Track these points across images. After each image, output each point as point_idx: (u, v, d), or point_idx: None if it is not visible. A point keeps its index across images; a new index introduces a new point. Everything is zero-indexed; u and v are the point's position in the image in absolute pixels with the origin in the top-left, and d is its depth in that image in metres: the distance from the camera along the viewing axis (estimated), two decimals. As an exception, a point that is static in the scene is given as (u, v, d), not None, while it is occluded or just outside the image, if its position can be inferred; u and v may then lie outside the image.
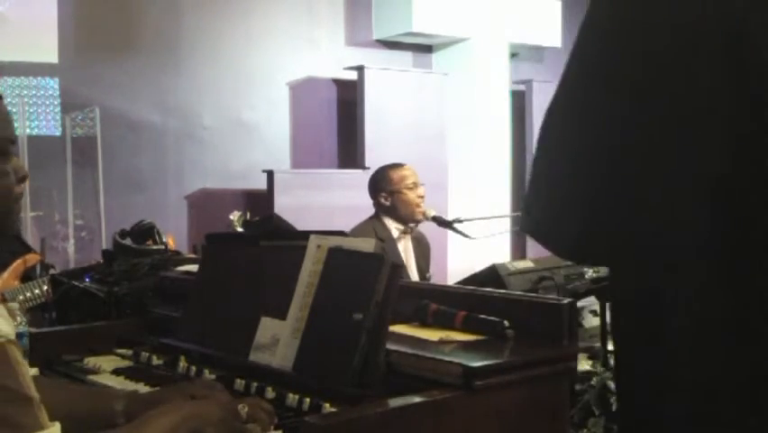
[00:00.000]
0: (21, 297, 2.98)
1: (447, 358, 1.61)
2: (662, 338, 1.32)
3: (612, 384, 2.28)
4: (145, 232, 2.94)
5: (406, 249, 4.19)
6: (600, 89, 1.36)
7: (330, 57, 6.75)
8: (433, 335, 1.79)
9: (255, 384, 1.71)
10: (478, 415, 1.55)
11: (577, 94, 1.37)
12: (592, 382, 2.31)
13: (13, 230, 1.47)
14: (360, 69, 6.34)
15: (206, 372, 1.86)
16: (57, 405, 1.35)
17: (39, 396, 1.22)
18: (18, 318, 2.04)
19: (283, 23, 6.62)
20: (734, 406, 1.27)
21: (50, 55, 5.58)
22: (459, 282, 2.94)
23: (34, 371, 1.63)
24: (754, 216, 1.25)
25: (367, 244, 1.75)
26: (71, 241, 5.70)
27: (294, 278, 1.81)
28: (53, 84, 5.65)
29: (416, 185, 4.17)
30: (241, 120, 6.43)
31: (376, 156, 5.74)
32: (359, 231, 4.01)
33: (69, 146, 5.72)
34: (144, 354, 2.05)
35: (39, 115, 5.61)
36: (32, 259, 3.34)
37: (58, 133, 5.69)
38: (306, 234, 1.86)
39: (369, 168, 5.71)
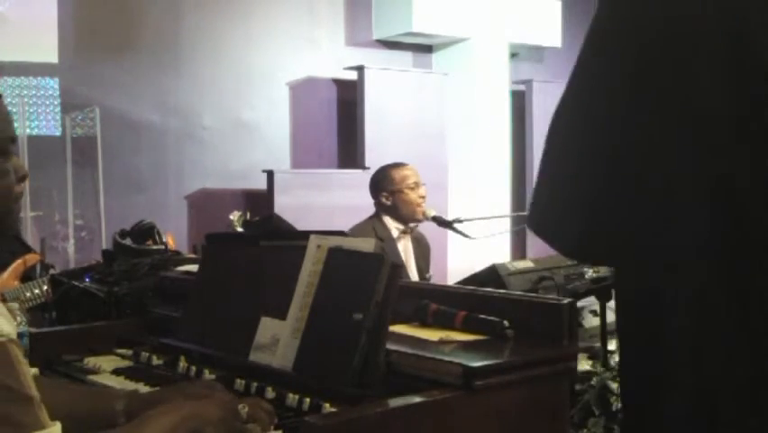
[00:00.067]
0: (21, 297, 2.98)
1: (447, 358, 1.61)
2: (662, 338, 1.32)
3: (612, 384, 2.28)
4: (145, 232, 2.94)
5: (405, 249, 4.19)
6: (601, 89, 1.36)
7: (330, 57, 6.75)
8: (433, 335, 1.79)
9: (255, 384, 1.71)
10: (478, 415, 1.55)
11: (580, 94, 1.38)
12: (592, 382, 2.31)
13: (13, 230, 1.47)
14: (360, 69, 6.34)
15: (206, 372, 1.86)
16: (57, 405, 1.35)
17: (39, 395, 1.22)
18: (18, 318, 2.04)
19: (283, 23, 6.62)
20: (734, 406, 1.27)
21: (50, 55, 5.58)
22: (459, 282, 2.94)
23: (34, 371, 1.63)
24: (755, 216, 1.25)
25: (367, 244, 1.75)
26: (71, 241, 5.70)
27: (294, 278, 1.81)
28: (53, 84, 5.65)
29: (417, 185, 4.17)
30: (241, 120, 6.43)
31: (376, 156, 5.74)
32: (358, 230, 4.02)
33: (69, 146, 5.72)
34: (144, 354, 2.05)
35: (39, 115, 5.61)
36: (31, 259, 3.34)
37: (58, 133, 5.69)
38: (306, 234, 1.86)
39: (369, 168, 5.71)
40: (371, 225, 4.12)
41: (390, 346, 1.66)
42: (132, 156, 6.01)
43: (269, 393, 1.67)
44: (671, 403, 1.31)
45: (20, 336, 1.27)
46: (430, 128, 6.57)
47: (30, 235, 5.13)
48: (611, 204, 1.35)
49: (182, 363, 1.92)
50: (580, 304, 2.52)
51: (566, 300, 1.74)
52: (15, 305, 2.64)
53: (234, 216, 3.32)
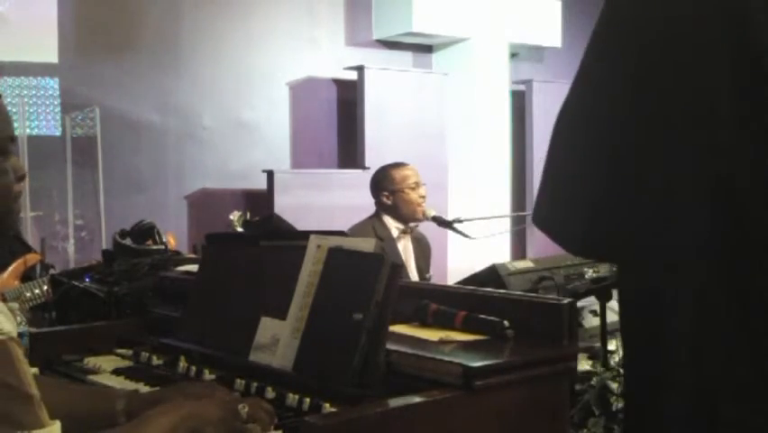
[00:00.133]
0: (21, 297, 2.99)
1: (447, 358, 1.61)
2: (662, 338, 1.32)
3: (612, 384, 2.28)
4: (145, 232, 2.94)
5: (405, 249, 4.19)
6: (602, 90, 1.36)
7: (330, 57, 6.75)
8: (433, 335, 1.79)
9: (255, 384, 1.71)
10: (478, 415, 1.55)
11: (582, 94, 1.38)
12: (592, 382, 2.31)
13: (12, 229, 1.47)
14: (360, 69, 6.34)
15: (206, 372, 1.86)
16: (57, 404, 1.35)
17: (39, 394, 1.22)
18: (18, 318, 2.04)
19: (283, 24, 6.62)
20: (734, 406, 1.27)
21: (50, 55, 5.58)
22: (459, 282, 2.94)
23: (34, 370, 1.63)
24: (755, 216, 1.25)
25: (367, 244, 1.75)
26: (71, 241, 5.70)
27: (294, 278, 1.81)
28: (53, 84, 5.65)
29: (417, 185, 4.18)
30: (241, 120, 6.43)
31: (376, 156, 5.75)
32: (358, 230, 4.02)
33: (69, 146, 5.72)
34: (144, 354, 2.04)
35: (39, 115, 5.61)
36: (32, 259, 3.34)
37: (58, 133, 5.69)
38: (306, 234, 1.85)
39: (369, 168, 5.72)
40: (371, 225, 4.12)
41: (390, 346, 1.66)
42: (132, 156, 6.01)
43: (269, 393, 1.67)
44: (671, 403, 1.31)
45: (20, 335, 1.27)
46: (430, 128, 6.57)
47: (30, 235, 5.13)
48: (612, 204, 1.35)
49: (182, 363, 1.92)
50: (580, 304, 2.52)
51: (566, 300, 1.74)
52: (15, 305, 2.65)
53: (234, 216, 3.32)
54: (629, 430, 1.51)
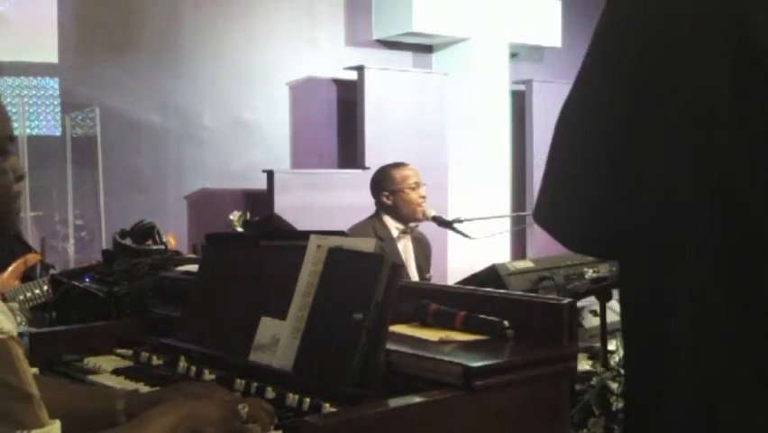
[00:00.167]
0: (21, 297, 2.99)
1: (447, 358, 1.61)
2: (662, 338, 1.32)
3: (612, 384, 2.28)
4: (145, 232, 2.94)
5: (405, 249, 4.19)
6: (603, 90, 1.36)
7: (330, 57, 6.75)
8: (433, 335, 1.79)
9: (255, 384, 1.71)
10: (478, 415, 1.55)
11: (583, 94, 1.38)
12: (592, 382, 2.31)
13: (12, 229, 1.47)
14: (360, 69, 6.34)
15: (206, 372, 1.86)
16: (57, 404, 1.35)
17: (39, 394, 1.22)
18: (18, 318, 2.04)
19: (283, 24, 6.62)
20: (734, 406, 1.27)
21: (50, 55, 5.58)
22: (459, 282, 2.94)
23: (34, 370, 1.63)
24: (755, 216, 1.25)
25: (367, 244, 1.75)
26: (71, 241, 5.70)
27: (294, 278, 1.81)
28: (53, 84, 5.64)
29: (418, 185, 4.18)
30: (241, 120, 6.43)
31: (376, 156, 5.75)
32: (358, 230, 4.02)
33: (69, 146, 5.72)
34: (144, 354, 2.04)
35: (39, 115, 5.61)
36: (32, 259, 3.34)
37: (58, 133, 5.69)
38: (306, 234, 1.85)
39: (369, 168, 5.72)
40: (371, 225, 4.12)
41: (390, 346, 1.66)
42: (132, 156, 6.01)
43: (269, 393, 1.67)
44: (671, 403, 1.31)
45: (20, 335, 1.27)
46: (430, 128, 6.57)
47: (30, 235, 5.13)
48: (613, 204, 1.35)
49: (182, 363, 1.92)
50: (580, 304, 2.52)
51: (566, 300, 1.74)
52: (15, 305, 2.65)
53: (234, 216, 3.32)
54: (629, 430, 1.51)
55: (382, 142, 6.16)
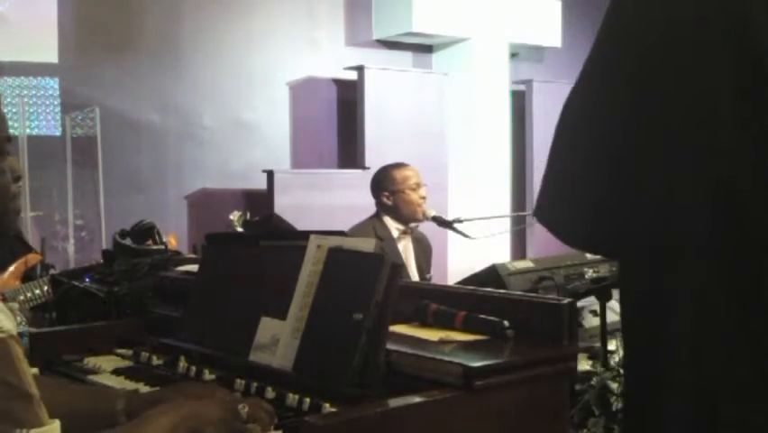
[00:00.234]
0: (21, 297, 2.99)
1: (447, 358, 1.61)
2: (662, 338, 1.32)
3: (612, 384, 2.28)
4: (145, 232, 2.94)
5: (406, 249, 4.19)
6: (604, 91, 1.37)
7: (330, 57, 6.75)
8: (433, 335, 1.79)
9: (255, 384, 1.71)
10: (478, 415, 1.55)
11: (585, 95, 1.39)
12: (592, 382, 2.31)
13: (11, 229, 1.47)
14: (360, 68, 6.34)
15: (206, 372, 1.86)
16: (57, 404, 1.35)
17: (39, 394, 1.22)
18: (18, 318, 2.04)
19: (283, 24, 6.62)
20: (734, 406, 1.27)
21: (50, 55, 5.58)
22: (459, 282, 2.94)
23: (34, 370, 1.63)
24: (755, 217, 1.25)
25: (367, 244, 1.75)
26: (71, 241, 5.70)
27: (294, 278, 1.81)
28: (53, 84, 5.64)
29: (418, 185, 4.18)
30: (241, 120, 6.43)
31: (376, 156, 5.75)
32: (358, 230, 4.02)
33: (69, 146, 5.72)
34: (144, 354, 2.04)
35: (39, 115, 5.61)
36: (33, 259, 3.34)
37: (58, 133, 5.69)
38: (306, 234, 1.85)
39: (369, 168, 5.72)
40: (371, 225, 4.12)
41: (390, 346, 1.66)
42: (132, 156, 6.01)
43: (269, 393, 1.67)
44: (671, 403, 1.31)
45: (20, 335, 1.27)
46: (430, 128, 6.57)
47: (30, 235, 5.13)
48: (614, 205, 1.35)
49: (182, 363, 1.92)
50: (580, 304, 2.52)
51: (566, 300, 1.74)
52: (15, 305, 2.65)
53: (234, 216, 3.32)
54: (629, 430, 1.51)
55: (382, 143, 6.16)
